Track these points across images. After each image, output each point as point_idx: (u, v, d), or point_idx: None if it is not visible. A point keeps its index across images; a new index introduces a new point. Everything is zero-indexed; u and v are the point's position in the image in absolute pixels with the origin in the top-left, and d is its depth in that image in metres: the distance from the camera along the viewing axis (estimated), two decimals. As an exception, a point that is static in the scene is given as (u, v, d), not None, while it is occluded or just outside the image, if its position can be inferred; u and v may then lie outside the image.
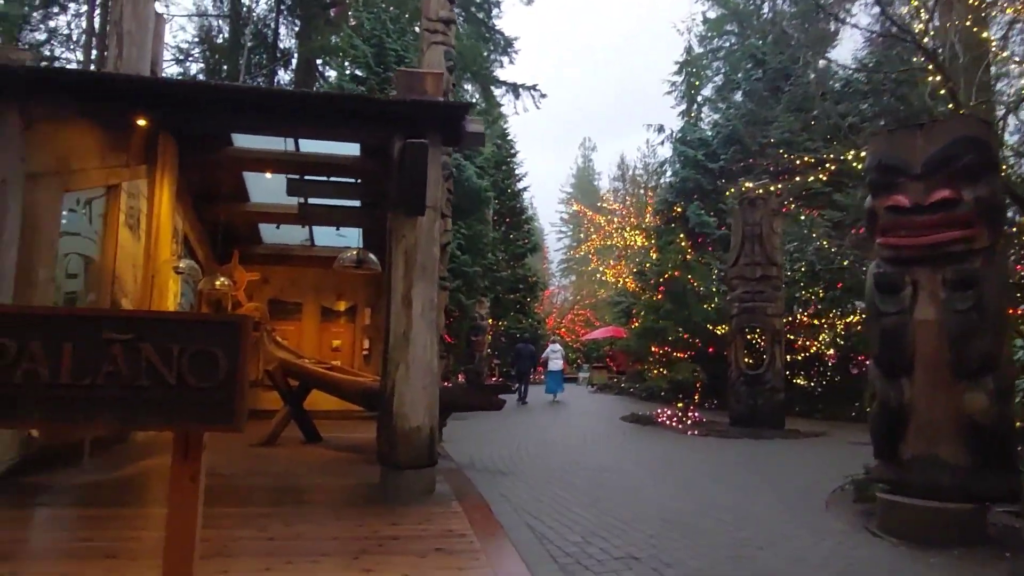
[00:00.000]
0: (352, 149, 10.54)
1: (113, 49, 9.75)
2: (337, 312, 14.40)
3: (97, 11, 23.32)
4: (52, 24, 23.26)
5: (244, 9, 30.16)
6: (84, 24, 24.13)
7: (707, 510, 5.66)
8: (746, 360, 12.30)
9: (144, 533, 4.47)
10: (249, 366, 7.08)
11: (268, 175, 11.15)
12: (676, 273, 13.49)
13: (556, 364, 19.78)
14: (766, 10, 26.40)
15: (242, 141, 10.59)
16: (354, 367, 13.24)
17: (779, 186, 12.49)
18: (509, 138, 35.75)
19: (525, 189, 36.22)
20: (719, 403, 15.15)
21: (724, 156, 18.17)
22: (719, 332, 15.21)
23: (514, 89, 32.76)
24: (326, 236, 14.00)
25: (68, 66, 22.41)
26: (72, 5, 23.57)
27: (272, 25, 30.85)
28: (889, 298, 4.82)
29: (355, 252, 8.00)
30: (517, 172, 36.07)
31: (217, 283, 11.22)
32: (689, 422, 12.32)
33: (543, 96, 31.80)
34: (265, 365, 9.47)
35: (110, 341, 2.14)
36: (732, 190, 13.52)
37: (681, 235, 16.24)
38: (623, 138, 72.13)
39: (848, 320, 13.70)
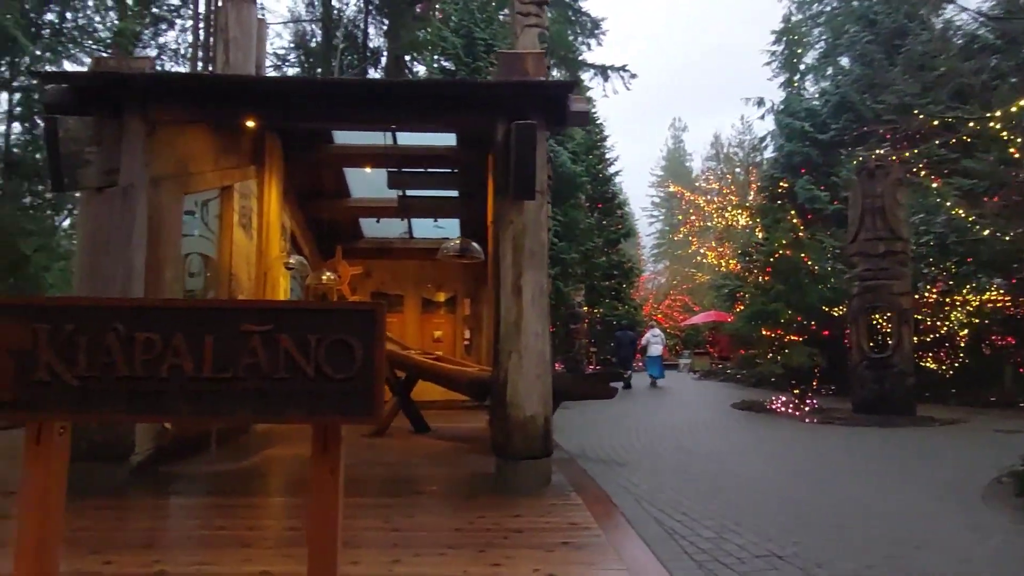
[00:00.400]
0: (448, 139, 10.56)
1: (220, 56, 10.15)
2: (437, 303, 14.58)
3: (201, 25, 24.60)
4: (161, 40, 24.72)
5: (335, 12, 31.06)
6: (190, 38, 25.54)
7: (844, 504, 5.23)
8: (869, 343, 11.46)
9: (273, 522, 4.57)
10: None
11: (368, 170, 11.36)
12: (787, 252, 12.72)
13: (656, 350, 19.74)
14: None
15: (342, 138, 10.83)
16: (456, 357, 13.36)
17: (905, 154, 11.50)
18: (599, 122, 35.16)
19: (617, 174, 35.56)
20: (837, 389, 14.26)
21: (835, 126, 16.98)
22: (835, 314, 14.29)
23: (602, 71, 32.11)
24: (424, 228, 14.18)
25: (180, 79, 23.72)
26: (179, 21, 24.94)
27: (361, 25, 31.63)
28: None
29: (457, 241, 7.97)
30: (608, 157, 35.45)
31: (324, 277, 11.55)
32: (807, 409, 11.63)
33: (633, 76, 31.03)
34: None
35: (249, 333, 2.08)
36: (854, 161, 12.59)
37: (792, 212, 15.33)
38: (715, 116, 69.44)
39: (984, 297, 12.51)
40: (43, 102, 6.16)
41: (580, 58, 32.50)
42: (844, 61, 20.87)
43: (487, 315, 13.77)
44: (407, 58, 30.15)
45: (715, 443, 8.51)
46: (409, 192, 12.13)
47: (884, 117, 15.86)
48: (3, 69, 15.31)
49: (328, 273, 11.75)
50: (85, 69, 9.40)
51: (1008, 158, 12.85)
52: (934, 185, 12.89)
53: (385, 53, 30.82)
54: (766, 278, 15.20)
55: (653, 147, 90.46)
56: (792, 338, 12.57)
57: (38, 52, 14.72)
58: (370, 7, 30.95)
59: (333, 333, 2.09)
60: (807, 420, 10.92)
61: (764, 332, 12.87)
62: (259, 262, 9.87)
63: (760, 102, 24.15)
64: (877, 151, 11.60)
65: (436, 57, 22.85)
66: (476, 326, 14.09)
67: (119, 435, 5.39)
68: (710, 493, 5.51)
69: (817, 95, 20.34)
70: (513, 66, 5.87)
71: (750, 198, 20.48)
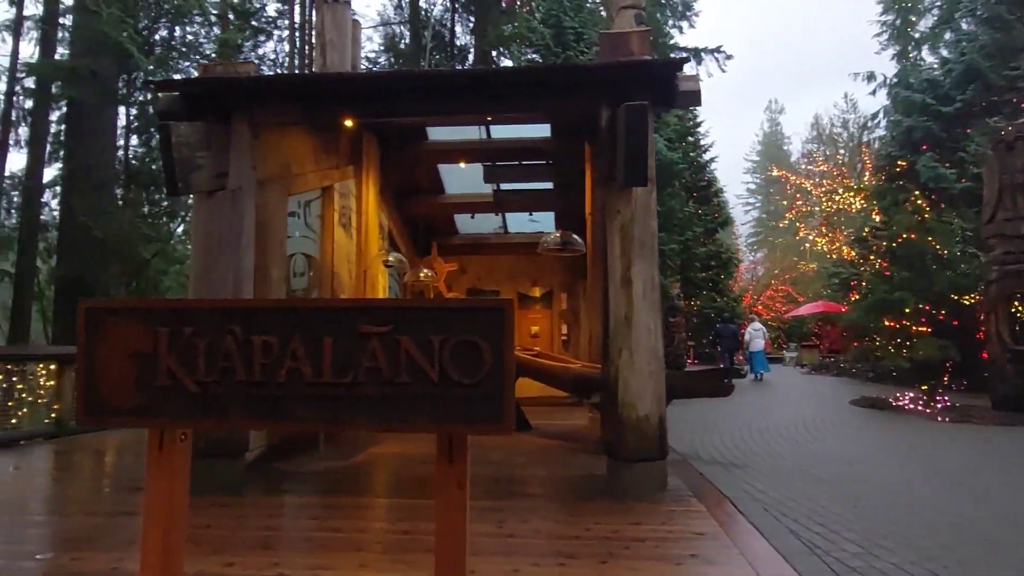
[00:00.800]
0: (543, 131, 10.34)
1: (318, 59, 10.34)
2: (533, 298, 14.40)
3: (297, 34, 25.51)
4: (260, 51, 25.79)
5: (423, 12, 31.48)
6: (287, 48, 26.56)
7: (1008, 519, 4.62)
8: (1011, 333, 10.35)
9: (386, 525, 4.50)
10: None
11: (462, 165, 11.32)
12: (911, 236, 11.68)
13: (758, 344, 19.39)
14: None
15: (436, 135, 10.83)
16: (554, 352, 13.15)
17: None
18: (692, 108, 33.96)
19: (712, 160, 34.27)
20: (969, 384, 13.04)
21: (960, 97, 15.50)
22: (966, 302, 13.06)
23: (695, 55, 30.96)
24: (519, 222, 14.04)
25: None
26: (276, 32, 25.95)
27: (448, 24, 31.91)
28: None
29: (558, 234, 7.72)
30: (703, 143, 34.21)
31: (421, 274, 11.62)
32: (938, 407, 10.64)
33: (728, 58, 29.68)
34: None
35: (368, 335, 1.92)
36: (984, 134, 11.41)
37: (915, 192, 14.10)
38: (813, 97, 65.74)
39: None
40: (156, 110, 6.39)
41: (672, 42, 31.51)
42: (965, 26, 19.07)
43: (585, 310, 13.46)
44: (493, 54, 30.19)
45: (840, 444, 7.88)
46: (504, 186, 12.02)
47: (1019, 85, 14.35)
48: (121, 86, 16.36)
49: (425, 270, 11.81)
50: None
51: None
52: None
53: (472, 50, 30.98)
54: (885, 264, 14.10)
55: (747, 132, 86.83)
56: (919, 329, 11.53)
57: (151, 67, 15.62)
58: (456, 5, 31.20)
59: (458, 334, 1.90)
60: (940, 419, 9.99)
61: (886, 323, 11.88)
62: (359, 261, 10.01)
63: (870, 76, 22.44)
64: (1016, 121, 10.41)
65: (524, 50, 22.67)
66: (573, 321, 13.82)
67: (235, 433, 5.50)
68: (846, 501, 5.02)
69: (936, 65, 18.68)
70: (617, 46, 5.56)
71: (865, 179, 18.96)
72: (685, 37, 34.79)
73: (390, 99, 6.18)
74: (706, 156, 34.11)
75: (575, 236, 7.72)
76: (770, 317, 36.60)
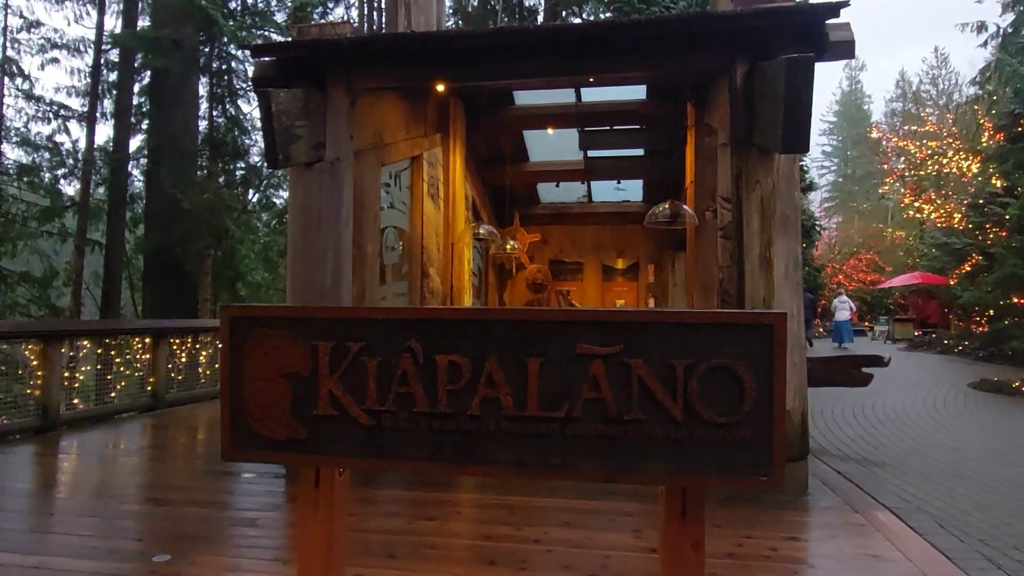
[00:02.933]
0: (638, 92, 9.65)
1: (402, 20, 9.91)
2: (619, 270, 13.83)
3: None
4: (329, 17, 25.53)
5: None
6: (355, 13, 26.22)
7: None
8: None
9: (509, 530, 4.12)
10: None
11: (550, 131, 10.76)
12: (1044, 203, 10.51)
13: (843, 314, 20.38)
14: None
15: (523, 99, 10.29)
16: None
17: None
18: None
19: (794, 122, 32.41)
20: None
21: (1100, 44, 13.83)
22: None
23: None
24: (604, 191, 13.42)
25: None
26: (344, -1, 25.61)
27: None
28: None
29: (667, 206, 7.12)
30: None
31: (508, 247, 11.20)
32: (1077, 393, 9.62)
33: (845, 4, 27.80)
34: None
35: (588, 356, 1.47)
36: None
37: (1048, 153, 12.71)
38: (896, 55, 61.45)
39: None
40: (252, 77, 6.09)
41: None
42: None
43: (672, 282, 12.82)
44: (564, 13, 29.12)
45: (980, 436, 7.10)
46: (592, 153, 11.41)
47: None
48: (202, 54, 16.37)
49: (512, 242, 11.38)
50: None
51: None
52: None
53: (542, 10, 29.97)
54: (1005, 235, 12.85)
55: (823, 93, 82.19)
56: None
57: (237, 32, 15.54)
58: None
59: (712, 357, 1.43)
60: (1082, 407, 9.02)
61: (1016, 300, 10.79)
62: (446, 233, 9.66)
63: (981, 27, 20.44)
64: None
65: (600, 7, 21.63)
66: (661, 294, 13.20)
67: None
68: (1024, 514, 4.36)
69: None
70: (755, -8, 4.88)
71: (983, 140, 17.33)
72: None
73: (492, 60, 5.70)
74: (788, 117, 32.33)
75: (685, 207, 7.12)
76: (853, 288, 34.79)
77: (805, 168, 34.42)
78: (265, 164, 11.89)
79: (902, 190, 25.19)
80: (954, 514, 4.29)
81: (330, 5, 25.85)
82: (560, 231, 13.76)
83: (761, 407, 1.42)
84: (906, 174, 23.94)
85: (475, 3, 30.88)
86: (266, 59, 5.75)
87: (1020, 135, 14.39)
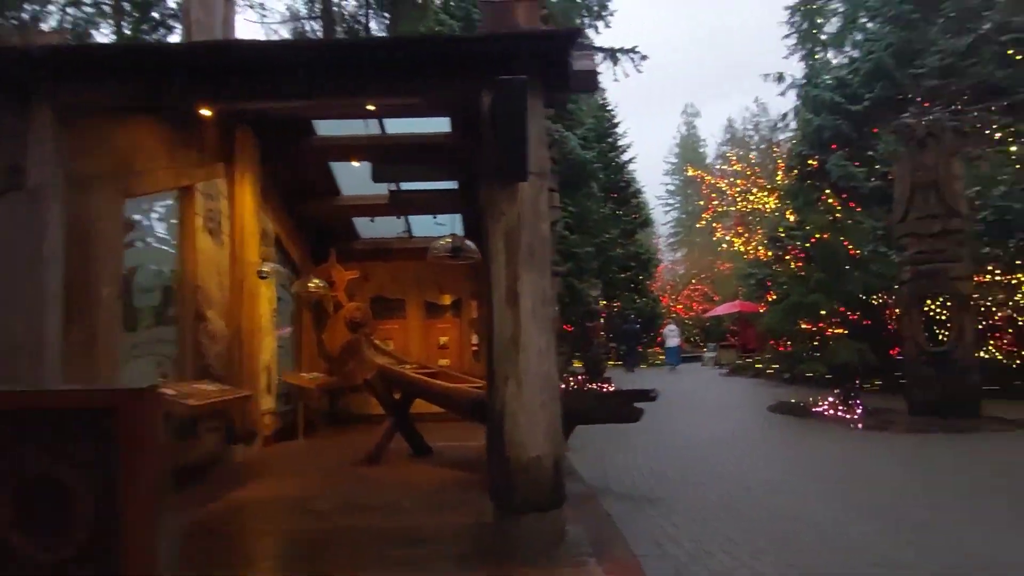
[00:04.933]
0: (442, 124, 9.42)
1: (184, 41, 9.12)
2: (442, 307, 13.44)
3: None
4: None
5: (335, 6, 29.96)
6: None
7: (980, 571, 3.93)
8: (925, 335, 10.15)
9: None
10: (353, 371, 5.96)
11: (355, 163, 10.26)
12: (824, 236, 11.41)
13: (673, 341, 23.98)
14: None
15: (325, 129, 9.75)
16: (464, 365, 12.23)
17: (971, 114, 10.12)
18: (610, 109, 33.80)
19: (630, 161, 34.22)
20: (883, 385, 12.94)
21: (868, 95, 15.54)
22: (875, 302, 12.96)
23: (611, 55, 30.71)
24: (425, 226, 13.04)
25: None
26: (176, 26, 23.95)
27: (363, 20, 30.54)
28: None
29: (449, 239, 6.81)
30: (620, 144, 34.08)
31: (310, 285, 10.42)
32: (856, 413, 10.32)
33: (643, 58, 29.55)
34: (364, 373, 8.55)
35: None
36: (892, 132, 11.25)
37: (826, 191, 13.95)
38: (727, 101, 67.66)
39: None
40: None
41: (588, 42, 31.20)
42: (870, 26, 19.39)
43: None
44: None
45: (764, 465, 7.26)
46: (406, 186, 11.02)
47: (925, 84, 14.45)
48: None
49: (315, 280, 10.62)
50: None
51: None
52: (1010, 149, 11.43)
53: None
54: (799, 265, 13.89)
55: (666, 134, 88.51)
56: (834, 332, 11.26)
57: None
58: (370, 1, 29.87)
59: (29, 462, 0.93)
60: (859, 426, 9.64)
61: (803, 326, 11.57)
62: (234, 270, 8.81)
63: (780, 77, 22.63)
64: (928, 117, 10.20)
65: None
66: (484, 331, 12.95)
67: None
68: (775, 551, 4.26)
69: (844, 63, 18.85)
70: (499, 18, 4.70)
71: (777, 179, 19.00)
72: (601, 37, 34.63)
73: (233, 76, 5.10)
74: (624, 157, 34.06)
75: (469, 242, 6.85)
76: (689, 317, 36.91)
77: (643, 204, 36.40)
78: None
79: (713, 224, 27.18)
80: (699, 555, 4.12)
81: (161, 32, 24.04)
82: (381, 267, 13.18)
83: (106, 539, 0.95)
84: (720, 210, 25.88)
85: (319, 36, 30.05)
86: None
87: (808, 174, 15.86)
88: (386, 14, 30.32)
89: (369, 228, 12.83)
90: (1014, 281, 11.34)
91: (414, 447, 8.45)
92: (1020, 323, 11.57)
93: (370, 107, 7.05)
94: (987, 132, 11.52)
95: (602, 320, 30.10)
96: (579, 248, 15.05)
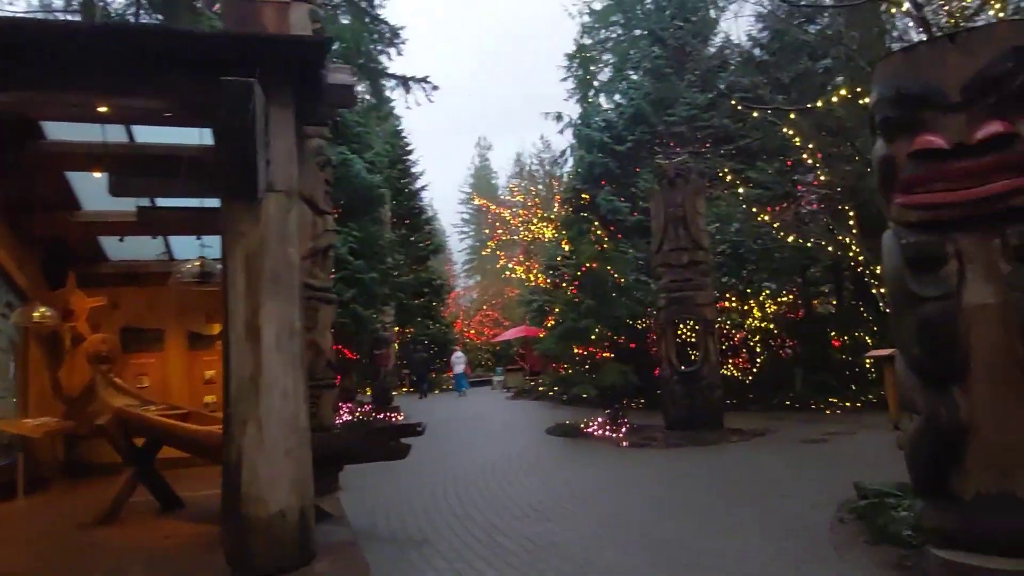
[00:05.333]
0: (204, 137, 8.53)
1: None
2: (209, 337, 12.13)
3: None
4: None
5: (99, 2, 26.59)
6: None
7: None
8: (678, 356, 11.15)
9: None
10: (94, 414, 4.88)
11: (96, 175, 8.91)
12: (594, 265, 12.20)
13: (460, 368, 25.22)
14: (648, 1, 25.78)
15: (57, 133, 8.36)
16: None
17: (710, 159, 11.37)
18: (403, 135, 33.78)
19: (423, 188, 34.41)
20: (646, 403, 14.04)
21: (631, 137, 17.11)
22: (639, 326, 14.09)
23: (404, 82, 30.79)
24: (189, 248, 11.72)
25: None
26: None
27: (133, 20, 27.44)
28: (927, 277, 3.53)
29: (197, 263, 6.07)
30: (414, 171, 34.16)
31: (35, 315, 8.83)
32: (622, 431, 11.02)
33: (435, 88, 29.92)
34: (96, 418, 7.33)
35: None
36: (649, 171, 12.39)
37: (595, 223, 15.00)
38: (520, 135, 71.43)
39: (778, 300, 12.88)
40: None
41: (381, 68, 31.03)
42: (635, 76, 21.51)
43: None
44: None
45: (534, 490, 7.36)
46: (159, 202, 9.80)
47: (674, 130, 16.18)
48: None
49: (42, 309, 9.01)
50: None
51: (786, 168, 13.44)
52: (739, 191, 13.08)
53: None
54: (572, 291, 14.70)
55: (464, 165, 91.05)
56: (603, 355, 11.99)
57: None
58: (141, 1, 26.95)
59: None
60: (624, 444, 10.27)
61: (576, 350, 12.19)
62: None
63: (559, 116, 24.19)
64: (678, 158, 11.38)
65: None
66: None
67: None
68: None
69: (613, 107, 20.63)
70: (243, 18, 4.25)
71: (554, 210, 20.19)
72: (394, 64, 34.69)
73: None
74: (417, 184, 34.18)
75: (219, 265, 6.16)
76: (481, 342, 37.77)
77: (435, 231, 36.73)
78: None
79: (498, 252, 28.27)
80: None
81: None
82: (135, 294, 11.60)
83: None
84: (504, 238, 26.98)
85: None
86: None
87: (581, 207, 17.03)
88: (159, 15, 27.61)
89: (121, 250, 11.25)
90: (746, 307, 12.97)
91: (161, 500, 7.38)
92: (752, 344, 13.25)
93: (101, 109, 6.10)
94: (722, 175, 13.17)
95: (397, 346, 29.73)
96: (364, 274, 14.57)
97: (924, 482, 3.64)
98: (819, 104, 8.32)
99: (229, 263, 4.03)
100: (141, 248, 11.34)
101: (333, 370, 8.29)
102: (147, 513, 7.03)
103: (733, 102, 10.96)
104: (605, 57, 29.41)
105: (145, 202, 9.41)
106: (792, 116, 9.76)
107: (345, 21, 29.79)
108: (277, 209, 4.08)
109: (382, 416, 15.63)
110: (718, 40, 19.55)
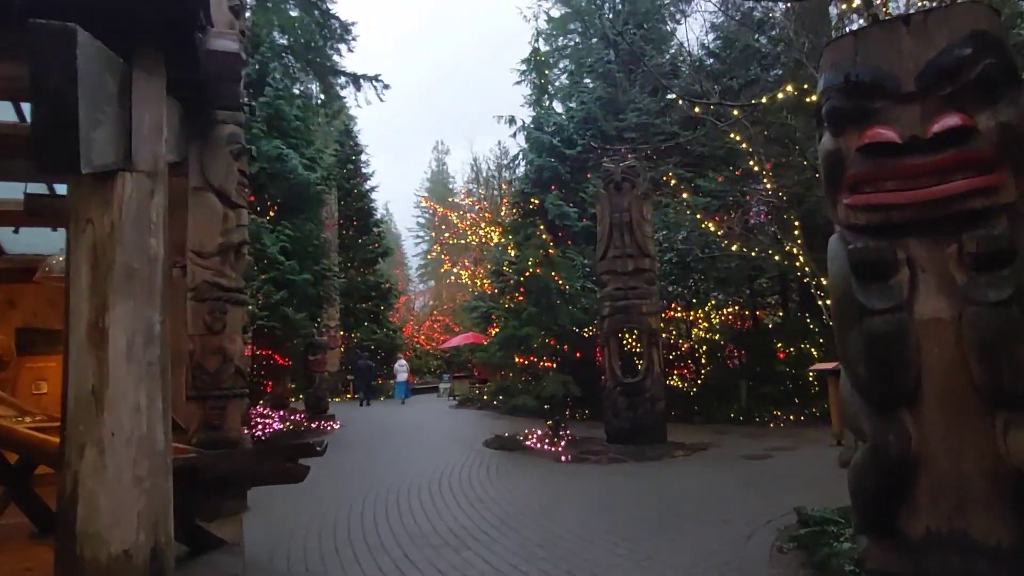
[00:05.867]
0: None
1: None
2: (120, 339, 11.24)
3: None
4: None
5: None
6: None
7: None
8: (621, 366, 10.75)
9: None
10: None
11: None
12: (538, 270, 11.75)
13: (402, 376, 25.17)
14: (607, 10, 25.61)
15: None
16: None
17: (660, 166, 11.04)
18: (354, 134, 32.88)
19: (374, 189, 33.52)
20: (590, 413, 13.63)
21: (581, 142, 16.78)
22: (586, 335, 13.69)
23: (354, 80, 30.09)
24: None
25: None
26: None
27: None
28: (875, 286, 3.12)
29: (62, 258, 5.32)
30: (364, 171, 33.26)
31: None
32: (562, 445, 10.54)
33: (386, 87, 29.30)
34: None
35: None
36: (598, 176, 12.03)
37: (541, 227, 14.57)
38: (478, 139, 71.01)
39: (725, 311, 12.64)
40: None
41: (331, 64, 30.18)
42: (588, 82, 21.26)
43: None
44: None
45: (458, 512, 6.80)
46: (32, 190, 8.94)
47: (625, 135, 15.89)
48: None
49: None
50: None
51: (734, 177, 13.24)
52: (684, 198, 12.82)
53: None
54: (519, 299, 14.21)
55: (421, 169, 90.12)
56: (545, 364, 11.52)
57: None
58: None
59: None
60: (564, 459, 9.78)
61: (517, 359, 11.69)
62: None
63: (512, 120, 23.75)
64: (623, 163, 11.00)
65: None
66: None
67: None
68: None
69: (564, 111, 20.30)
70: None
71: (502, 214, 19.70)
72: (345, 61, 33.84)
73: None
74: (368, 184, 33.26)
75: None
76: (431, 347, 36.94)
77: (384, 233, 35.81)
78: None
79: (442, 256, 27.64)
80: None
81: None
82: (34, 291, 10.62)
83: None
84: (451, 242, 26.36)
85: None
86: None
87: (529, 212, 16.59)
88: None
89: (16, 243, 10.29)
90: (692, 317, 12.69)
91: (37, 523, 6.57)
92: (698, 355, 12.97)
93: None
94: (671, 182, 12.92)
95: (343, 351, 28.69)
96: (296, 276, 13.80)
97: (869, 518, 3.22)
98: (764, 100, 8.02)
99: (72, 255, 3.39)
100: (42, 242, 10.42)
101: (244, 378, 7.59)
102: (18, 537, 6.23)
103: (680, 101, 10.62)
104: (563, 64, 29.20)
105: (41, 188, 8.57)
106: (736, 112, 9.47)
107: (294, 13, 28.92)
108: (135, 192, 3.46)
109: (315, 426, 14.85)
110: (672, 47, 19.42)
